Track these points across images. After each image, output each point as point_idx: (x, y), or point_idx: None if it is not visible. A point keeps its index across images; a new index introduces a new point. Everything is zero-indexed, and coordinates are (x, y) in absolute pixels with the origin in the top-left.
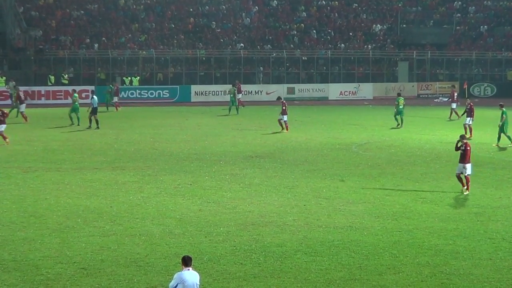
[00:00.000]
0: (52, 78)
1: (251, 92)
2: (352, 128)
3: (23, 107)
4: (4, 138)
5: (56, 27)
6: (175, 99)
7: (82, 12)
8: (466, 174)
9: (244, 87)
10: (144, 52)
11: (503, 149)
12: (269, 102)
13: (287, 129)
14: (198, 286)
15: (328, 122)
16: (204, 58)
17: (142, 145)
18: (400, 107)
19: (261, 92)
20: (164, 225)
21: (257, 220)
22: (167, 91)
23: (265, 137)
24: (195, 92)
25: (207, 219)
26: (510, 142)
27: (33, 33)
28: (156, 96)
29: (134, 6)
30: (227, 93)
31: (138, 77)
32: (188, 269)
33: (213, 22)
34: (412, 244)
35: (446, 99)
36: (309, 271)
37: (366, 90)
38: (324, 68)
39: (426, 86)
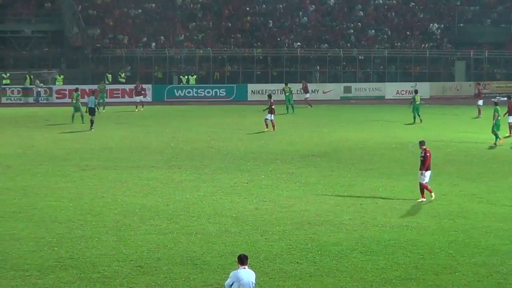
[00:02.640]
0: (110, 76)
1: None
2: (409, 127)
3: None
4: None
5: (114, 26)
6: (232, 97)
7: (140, 11)
8: (423, 182)
9: (300, 86)
10: (201, 51)
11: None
12: (325, 101)
13: (274, 128)
14: (254, 284)
15: (384, 121)
16: (261, 57)
17: (199, 144)
18: (417, 103)
19: (317, 91)
20: (220, 224)
21: (313, 219)
22: (224, 89)
23: (321, 136)
24: (252, 90)
25: (263, 217)
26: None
27: (91, 31)
28: (213, 94)
29: (191, 5)
30: (281, 92)
31: (195, 76)
32: (244, 268)
33: (270, 21)
34: (469, 244)
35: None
36: (365, 270)
37: (423, 89)
38: (381, 67)
39: (484, 85)
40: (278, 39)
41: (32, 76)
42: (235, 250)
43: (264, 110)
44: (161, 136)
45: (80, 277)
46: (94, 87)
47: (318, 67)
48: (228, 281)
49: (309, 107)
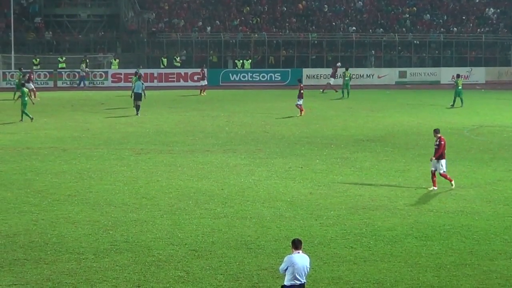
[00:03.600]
0: (165, 60)
1: (363, 75)
2: (464, 112)
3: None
4: None
5: (169, 10)
6: (287, 82)
7: None
8: (441, 171)
9: (356, 71)
10: (256, 35)
11: None
12: (380, 86)
13: (301, 113)
14: (308, 269)
15: (439, 106)
16: (316, 42)
17: (254, 128)
18: (459, 87)
19: (372, 76)
20: (275, 208)
21: (367, 204)
22: (279, 74)
23: (376, 120)
24: (307, 75)
25: (318, 202)
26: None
27: (146, 15)
28: (268, 79)
29: None
30: (339, 76)
31: (250, 60)
32: (298, 252)
33: (325, 6)
34: None
35: None
36: (420, 255)
37: (479, 74)
38: (436, 52)
39: None
40: (333, 23)
41: (88, 60)
42: (290, 235)
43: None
44: (216, 120)
45: (135, 260)
46: (149, 71)
47: (373, 51)
48: (282, 266)
49: (322, 92)
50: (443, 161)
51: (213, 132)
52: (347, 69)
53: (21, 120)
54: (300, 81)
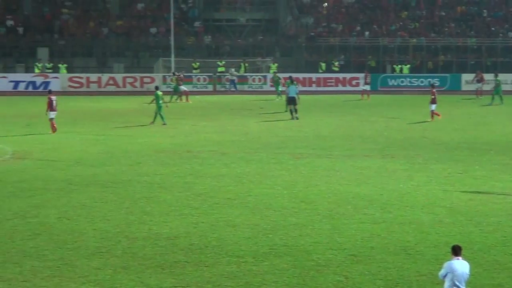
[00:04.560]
0: (323, 65)
1: None
2: None
3: None
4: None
5: (327, 15)
6: (445, 87)
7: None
8: None
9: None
10: (414, 40)
11: None
12: None
13: (432, 118)
14: (467, 275)
15: None
16: (475, 47)
17: (412, 134)
18: (499, 87)
19: None
20: (434, 214)
21: None
22: (437, 79)
23: None
24: (465, 80)
25: (477, 208)
26: None
27: (305, 20)
28: (426, 84)
29: None
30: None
31: (409, 65)
32: (458, 259)
33: (484, 10)
34: None
35: None
36: None
37: None
38: None
39: None
40: (492, 28)
41: (246, 64)
42: (449, 241)
43: (432, 99)
44: (374, 125)
45: (294, 264)
46: (308, 75)
47: None
48: (442, 272)
49: (477, 97)
50: None
51: (371, 136)
52: (496, 76)
53: (153, 122)
54: (433, 85)
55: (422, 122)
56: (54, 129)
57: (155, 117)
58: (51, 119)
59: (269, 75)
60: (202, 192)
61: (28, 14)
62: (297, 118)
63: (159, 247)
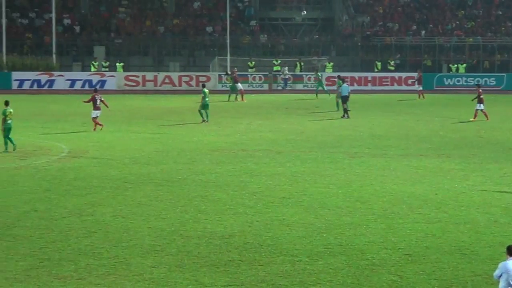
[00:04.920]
0: (379, 64)
1: None
2: None
3: None
4: (98, 124)
5: (384, 14)
6: (502, 87)
7: None
8: None
9: None
10: (470, 39)
11: None
12: None
13: (475, 117)
14: None
15: None
16: None
17: (467, 133)
18: None
19: None
20: (489, 214)
21: None
22: (494, 79)
23: None
24: None
25: None
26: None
27: (361, 19)
28: (482, 84)
29: None
30: None
31: (465, 65)
32: None
33: None
34: None
35: None
36: None
37: None
38: None
39: None
40: None
41: (302, 63)
42: (504, 241)
43: (472, 100)
44: (430, 124)
45: (348, 264)
46: (363, 74)
47: None
48: (496, 272)
49: None
50: None
51: (426, 136)
52: None
53: (205, 120)
54: (479, 85)
55: (478, 121)
56: (96, 127)
57: (205, 115)
58: (93, 118)
59: (325, 74)
60: (256, 191)
61: (85, 13)
62: (343, 117)
63: (214, 245)
